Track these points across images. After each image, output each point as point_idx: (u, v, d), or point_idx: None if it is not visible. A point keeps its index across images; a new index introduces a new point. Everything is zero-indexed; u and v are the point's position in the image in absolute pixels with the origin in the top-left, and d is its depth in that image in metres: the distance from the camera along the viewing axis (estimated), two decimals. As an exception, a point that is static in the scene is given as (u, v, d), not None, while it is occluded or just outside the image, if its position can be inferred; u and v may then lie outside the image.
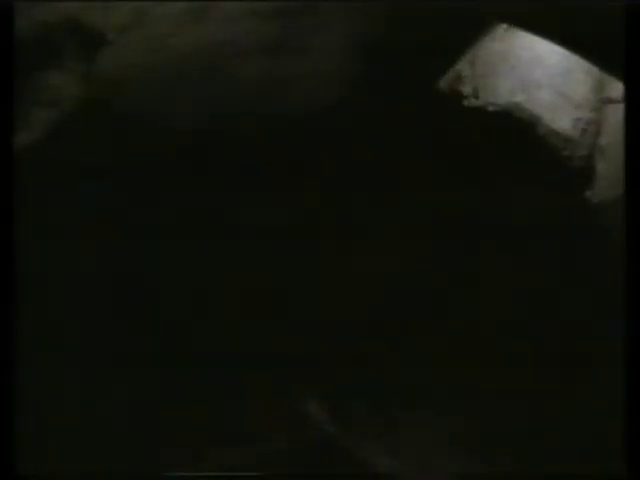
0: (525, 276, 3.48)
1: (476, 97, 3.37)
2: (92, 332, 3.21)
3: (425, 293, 3.57)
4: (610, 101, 3.29)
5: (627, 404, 1.70)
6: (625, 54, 2.11)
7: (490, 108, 3.36)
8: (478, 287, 3.53)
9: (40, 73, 2.95)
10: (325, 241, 3.54)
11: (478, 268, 3.58)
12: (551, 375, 3.31)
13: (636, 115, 2.06)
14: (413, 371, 3.47)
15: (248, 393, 3.36)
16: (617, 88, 3.18)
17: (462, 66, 3.35)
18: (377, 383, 3.49)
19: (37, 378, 2.95)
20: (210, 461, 3.09)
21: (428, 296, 3.57)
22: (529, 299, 3.44)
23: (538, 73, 3.30)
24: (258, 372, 3.37)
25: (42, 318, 3.10)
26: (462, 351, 3.44)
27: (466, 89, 3.37)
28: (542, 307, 3.40)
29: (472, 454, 3.20)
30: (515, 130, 3.36)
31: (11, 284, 2.07)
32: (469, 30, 3.17)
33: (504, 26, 3.20)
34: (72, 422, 3.06)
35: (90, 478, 2.91)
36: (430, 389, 3.42)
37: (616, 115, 3.26)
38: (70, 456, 2.92)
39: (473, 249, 3.59)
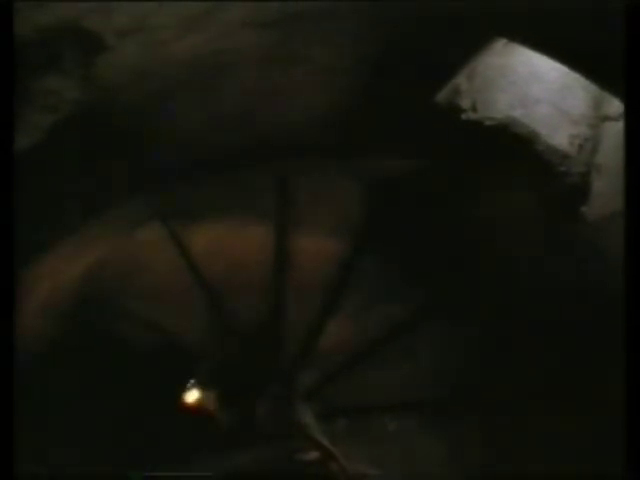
0: (518, 290, 3.50)
1: (474, 111, 3.39)
2: (92, 330, 3.21)
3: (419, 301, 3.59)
4: (608, 118, 3.32)
5: (627, 404, 1.71)
6: (624, 69, 2.12)
7: (488, 122, 3.38)
8: (472, 298, 3.55)
9: (39, 77, 2.95)
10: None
11: (471, 280, 3.60)
12: (550, 375, 3.32)
13: (635, 129, 2.07)
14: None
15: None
16: (615, 105, 3.21)
17: (460, 80, 3.37)
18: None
19: (37, 379, 2.94)
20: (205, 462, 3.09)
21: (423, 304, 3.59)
22: (525, 310, 3.46)
23: (536, 88, 3.32)
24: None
25: (42, 317, 3.10)
26: (462, 355, 3.46)
27: (464, 103, 3.39)
28: (540, 317, 3.42)
29: (472, 453, 3.21)
30: (512, 145, 3.38)
31: (11, 283, 2.06)
32: (468, 43, 3.19)
33: (503, 41, 3.24)
34: (72, 422, 3.04)
35: (90, 478, 2.89)
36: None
37: (613, 132, 3.28)
38: (70, 456, 2.90)
39: (468, 262, 3.61)
